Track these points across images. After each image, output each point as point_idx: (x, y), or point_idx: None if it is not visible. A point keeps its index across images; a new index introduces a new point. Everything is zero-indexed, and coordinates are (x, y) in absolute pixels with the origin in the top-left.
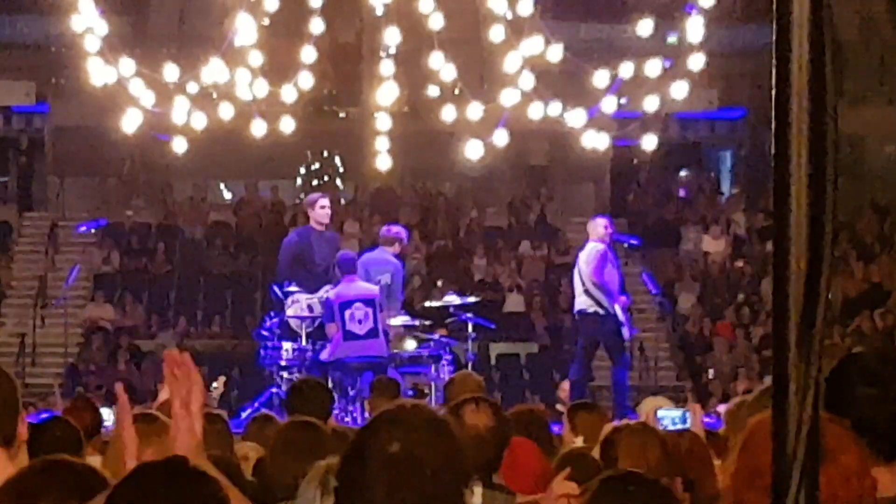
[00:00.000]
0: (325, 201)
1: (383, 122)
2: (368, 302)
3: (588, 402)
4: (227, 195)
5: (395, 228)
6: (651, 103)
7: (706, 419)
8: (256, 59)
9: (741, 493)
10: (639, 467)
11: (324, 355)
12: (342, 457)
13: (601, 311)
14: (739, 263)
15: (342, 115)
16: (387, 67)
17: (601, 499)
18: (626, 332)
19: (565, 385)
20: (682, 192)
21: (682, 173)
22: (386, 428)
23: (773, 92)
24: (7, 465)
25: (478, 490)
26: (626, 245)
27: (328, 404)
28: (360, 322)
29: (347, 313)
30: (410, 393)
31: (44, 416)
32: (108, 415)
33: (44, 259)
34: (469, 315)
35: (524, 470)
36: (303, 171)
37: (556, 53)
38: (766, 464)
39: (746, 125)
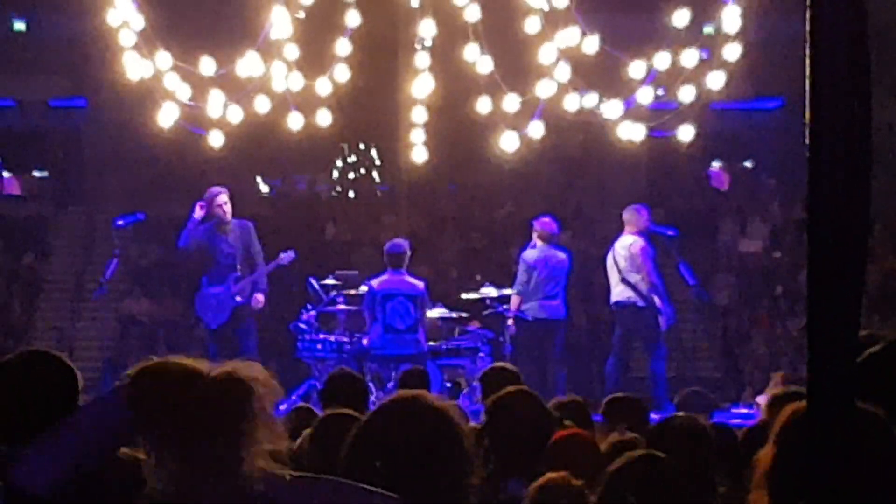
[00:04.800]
0: (224, 198)
1: (419, 114)
2: (411, 297)
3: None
4: (264, 188)
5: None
6: (687, 94)
7: (743, 409)
8: (292, 52)
9: (778, 479)
10: (686, 460)
11: (364, 342)
12: (348, 447)
13: (639, 303)
14: (777, 254)
15: (378, 107)
16: (422, 60)
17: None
18: (663, 321)
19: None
20: (715, 182)
21: (715, 164)
22: (386, 418)
23: (808, 81)
24: None
25: (517, 483)
26: (663, 236)
27: (364, 396)
28: (401, 316)
29: (389, 306)
30: (448, 385)
31: None
32: None
33: (81, 253)
34: (506, 307)
35: (571, 461)
36: (339, 163)
37: (591, 45)
38: (801, 451)
39: (783, 115)
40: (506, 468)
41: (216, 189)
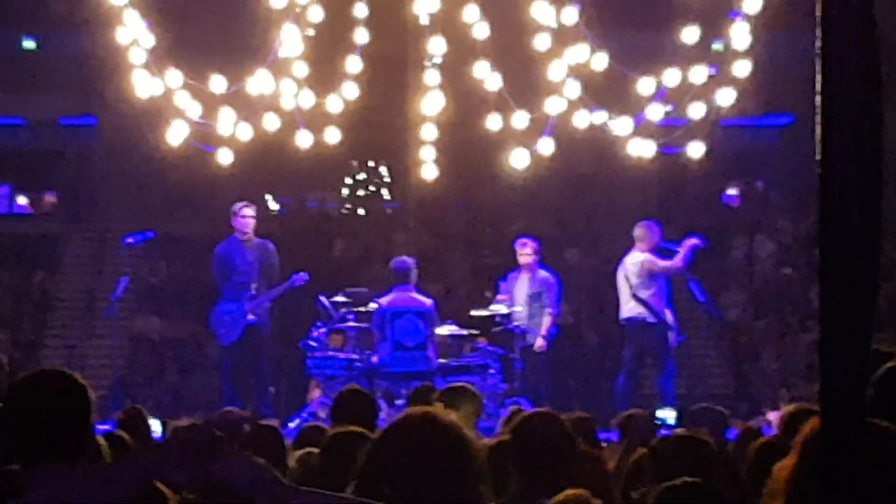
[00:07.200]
0: (249, 211)
1: (429, 131)
2: (420, 314)
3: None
4: (274, 206)
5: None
6: (697, 110)
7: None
8: (302, 69)
9: (797, 490)
10: (691, 475)
11: (374, 359)
12: (360, 464)
13: (650, 319)
14: (787, 271)
15: (387, 125)
16: (432, 77)
17: None
18: (673, 337)
19: None
20: (727, 200)
21: (732, 190)
22: (398, 435)
23: (818, 98)
24: None
25: None
26: (673, 253)
27: (373, 414)
28: (410, 334)
29: (398, 324)
30: None
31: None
32: (156, 426)
33: (91, 271)
34: (516, 324)
35: (586, 480)
36: (348, 181)
37: (601, 61)
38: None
39: (793, 131)
40: (531, 488)
41: (242, 202)
